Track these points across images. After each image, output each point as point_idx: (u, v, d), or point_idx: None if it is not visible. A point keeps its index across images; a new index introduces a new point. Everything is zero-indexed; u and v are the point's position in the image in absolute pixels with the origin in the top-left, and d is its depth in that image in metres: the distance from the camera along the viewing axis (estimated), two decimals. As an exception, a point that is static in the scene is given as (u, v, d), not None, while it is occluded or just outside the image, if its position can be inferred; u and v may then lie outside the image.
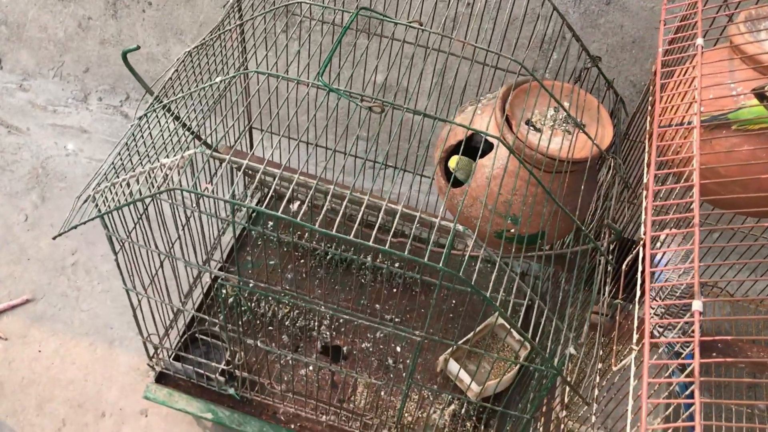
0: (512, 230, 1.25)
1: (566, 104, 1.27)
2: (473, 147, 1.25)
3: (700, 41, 0.96)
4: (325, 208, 0.92)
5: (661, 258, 1.23)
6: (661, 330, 1.08)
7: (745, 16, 1.05)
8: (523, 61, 1.43)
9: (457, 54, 1.32)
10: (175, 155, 1.00)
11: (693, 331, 0.70)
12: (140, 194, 0.96)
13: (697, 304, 0.73)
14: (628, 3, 1.67)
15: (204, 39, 1.28)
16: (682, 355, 1.12)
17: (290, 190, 0.91)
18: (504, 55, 1.14)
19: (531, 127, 1.24)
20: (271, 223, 1.74)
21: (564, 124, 1.24)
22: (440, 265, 0.87)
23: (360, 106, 1.00)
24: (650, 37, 1.71)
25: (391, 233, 0.93)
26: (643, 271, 0.93)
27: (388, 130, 1.81)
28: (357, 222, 0.89)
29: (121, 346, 1.64)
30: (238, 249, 1.70)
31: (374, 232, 0.90)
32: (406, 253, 0.88)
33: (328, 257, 1.68)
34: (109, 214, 1.06)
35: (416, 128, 1.63)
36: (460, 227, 0.90)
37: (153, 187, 0.96)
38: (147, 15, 1.93)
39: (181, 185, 0.93)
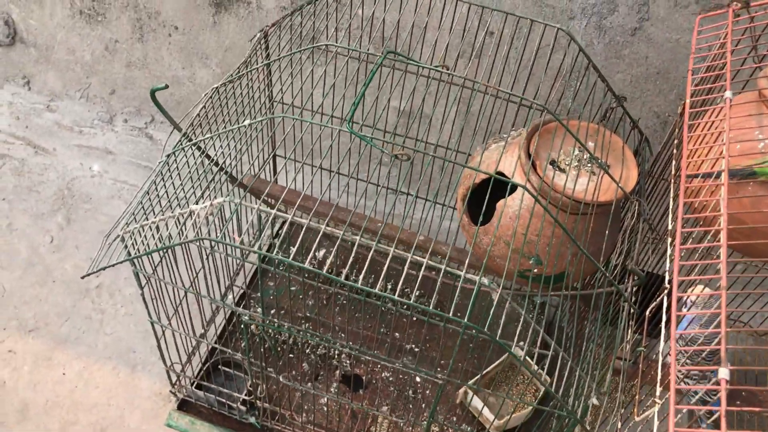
0: (536, 270, 1.26)
1: (591, 144, 1.27)
2: (497, 182, 1.26)
3: (728, 94, 0.95)
4: (352, 255, 0.93)
5: (685, 301, 1.23)
6: (681, 377, 1.08)
7: (774, 66, 1.05)
8: (547, 99, 1.43)
9: (481, 91, 1.32)
10: (204, 198, 1.01)
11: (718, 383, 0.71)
12: (170, 240, 0.98)
13: (723, 372, 0.73)
14: (653, 34, 1.67)
15: (231, 75, 1.29)
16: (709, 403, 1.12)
17: (317, 241, 0.92)
18: (527, 99, 1.14)
19: (556, 168, 1.25)
20: (293, 248, 1.75)
21: (589, 165, 1.25)
22: (465, 320, 0.88)
23: (385, 152, 1.01)
24: (674, 69, 1.71)
25: (421, 271, 0.93)
26: (668, 321, 0.94)
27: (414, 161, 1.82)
28: (381, 277, 0.90)
29: (143, 371, 1.66)
30: (261, 275, 1.72)
31: (405, 269, 0.91)
32: (435, 296, 0.89)
33: (354, 291, 1.69)
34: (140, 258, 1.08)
35: (443, 164, 1.64)
36: (485, 281, 0.90)
37: (182, 233, 0.97)
38: (173, 39, 1.95)
39: (209, 234, 0.95)
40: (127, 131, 2.08)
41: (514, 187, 1.24)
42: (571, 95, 1.53)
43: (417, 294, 1.67)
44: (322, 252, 1.76)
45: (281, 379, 1.32)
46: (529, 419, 1.48)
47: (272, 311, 1.66)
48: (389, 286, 1.68)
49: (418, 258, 0.94)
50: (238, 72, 1.31)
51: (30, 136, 2.07)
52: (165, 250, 1.18)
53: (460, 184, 1.34)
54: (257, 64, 1.38)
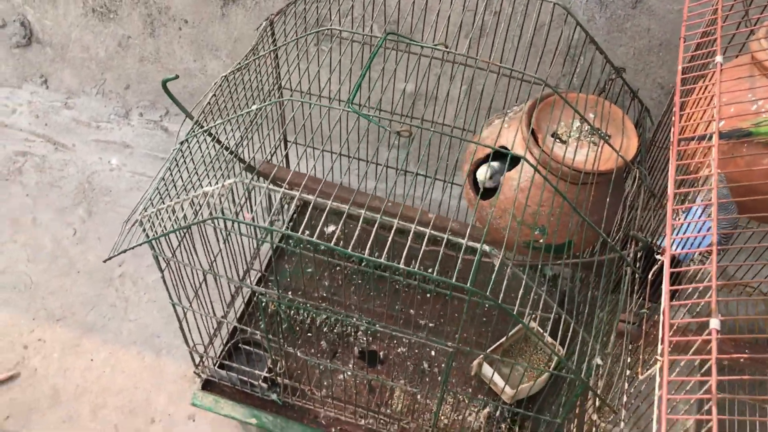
0: (540, 240, 1.29)
1: (591, 116, 1.30)
2: (502, 155, 1.30)
3: (719, 59, 0.98)
4: (358, 229, 0.97)
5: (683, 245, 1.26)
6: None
7: (767, 31, 1.07)
8: (548, 72, 1.46)
9: (483, 68, 1.35)
10: (217, 181, 1.06)
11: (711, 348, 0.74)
12: (185, 221, 1.02)
13: (714, 323, 0.76)
14: (654, 6, 1.69)
15: (239, 63, 1.34)
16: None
17: (324, 216, 0.96)
18: (527, 73, 1.17)
19: (557, 140, 1.28)
20: (308, 232, 1.80)
21: (590, 136, 1.28)
22: (468, 284, 0.92)
23: (389, 130, 1.05)
24: (677, 40, 1.72)
25: (424, 242, 0.97)
26: (660, 284, 0.97)
27: (419, 140, 1.86)
28: (387, 244, 0.94)
29: (168, 355, 1.72)
30: (277, 258, 1.77)
31: (408, 242, 0.95)
32: (437, 265, 0.93)
33: (362, 264, 1.74)
34: (157, 239, 1.13)
35: (446, 139, 1.67)
36: (487, 248, 0.94)
37: (197, 213, 1.02)
38: (183, 33, 2.00)
39: (223, 212, 0.99)
40: (143, 125, 2.13)
41: (516, 160, 1.27)
42: (571, 69, 1.55)
43: (421, 267, 1.71)
44: (330, 228, 1.81)
45: (299, 354, 1.36)
46: (542, 388, 1.52)
47: (289, 292, 1.71)
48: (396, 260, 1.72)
49: (421, 229, 0.98)
50: (246, 60, 1.35)
51: (49, 133, 2.13)
52: (183, 232, 1.23)
53: (465, 160, 1.38)
54: (264, 51, 1.42)
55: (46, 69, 2.17)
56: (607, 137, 1.24)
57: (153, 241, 1.13)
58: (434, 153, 1.80)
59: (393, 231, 0.99)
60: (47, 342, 1.73)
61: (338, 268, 1.77)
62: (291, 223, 1.79)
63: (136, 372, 1.69)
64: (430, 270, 1.71)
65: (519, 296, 0.98)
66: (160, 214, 1.09)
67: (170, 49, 2.03)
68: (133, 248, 1.08)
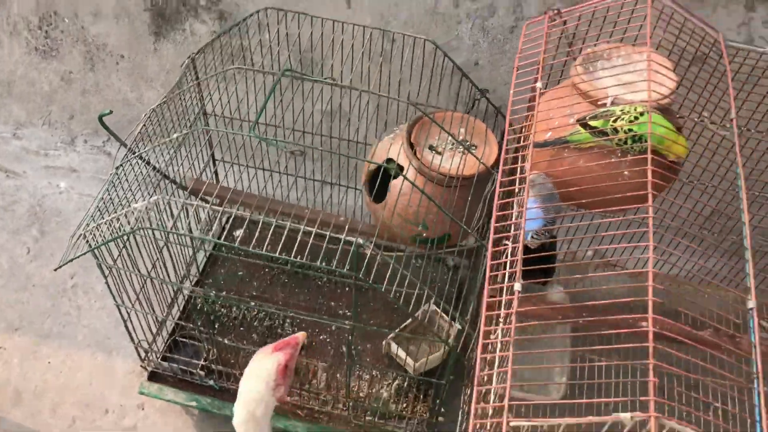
0: (424, 234, 1.55)
1: (462, 130, 1.58)
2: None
3: (538, 85, 1.26)
4: (270, 232, 1.22)
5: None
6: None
7: (582, 59, 1.36)
8: (428, 96, 1.74)
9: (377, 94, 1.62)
10: (145, 199, 1.30)
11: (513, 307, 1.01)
12: (118, 233, 1.26)
13: (517, 286, 1.03)
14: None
15: (165, 97, 1.58)
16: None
17: (231, 219, 1.21)
18: (393, 98, 1.44)
19: (434, 152, 1.55)
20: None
21: (460, 147, 1.55)
22: (345, 269, 1.18)
23: (285, 150, 1.31)
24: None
25: (326, 239, 1.23)
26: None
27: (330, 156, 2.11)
28: (282, 242, 1.20)
29: (118, 355, 1.94)
30: (212, 264, 2.01)
31: (298, 238, 1.20)
32: (330, 259, 1.18)
33: (288, 266, 1.98)
34: (98, 248, 1.36)
35: (354, 153, 1.93)
36: (360, 241, 1.20)
37: (128, 225, 1.26)
38: (120, 66, 2.22)
39: (151, 224, 1.23)
40: (88, 150, 2.35)
41: (401, 169, 1.54)
42: (449, 92, 1.81)
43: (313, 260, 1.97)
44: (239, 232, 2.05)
45: (227, 342, 1.60)
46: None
47: (223, 292, 1.95)
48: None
49: (309, 229, 1.23)
50: (172, 93, 1.59)
51: (1, 163, 2.33)
52: (122, 243, 1.46)
53: (363, 171, 1.64)
54: (188, 84, 1.66)
55: (-5, 103, 2.38)
56: (471, 147, 1.51)
57: (94, 251, 1.37)
58: (347, 165, 2.06)
59: (304, 233, 1.24)
60: (7, 349, 1.94)
61: (266, 270, 2.01)
62: (224, 233, 2.03)
63: (91, 371, 1.91)
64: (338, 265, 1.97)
65: (407, 284, 1.25)
66: (100, 227, 1.32)
67: (109, 82, 2.26)
68: (78, 257, 1.31)
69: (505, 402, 0.92)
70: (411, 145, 1.52)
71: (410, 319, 1.83)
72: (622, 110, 1.21)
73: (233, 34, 1.89)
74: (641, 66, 1.29)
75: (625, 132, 1.20)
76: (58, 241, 2.15)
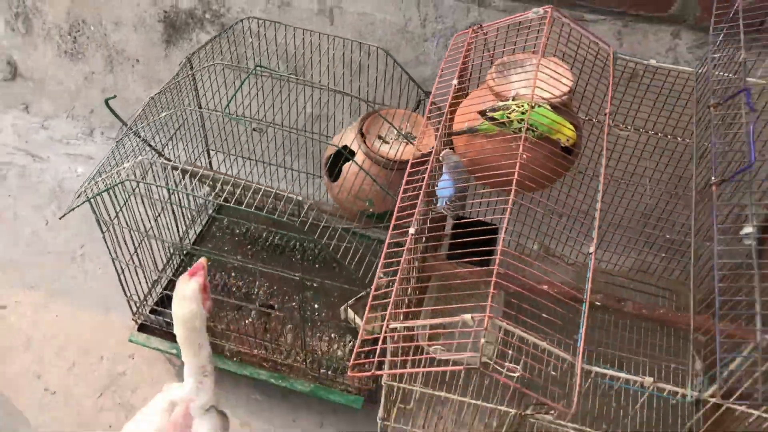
0: (371, 210, 1.84)
1: (407, 124, 1.87)
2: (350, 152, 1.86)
3: (454, 82, 1.55)
4: (246, 201, 1.52)
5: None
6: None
7: (496, 66, 1.65)
8: (383, 96, 2.04)
9: (336, 90, 1.93)
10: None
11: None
12: (105, 185, 1.57)
13: (411, 230, 1.31)
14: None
15: (163, 87, 1.90)
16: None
17: (209, 182, 1.51)
18: (346, 92, 1.74)
19: (382, 140, 1.85)
20: (225, 220, 2.35)
21: (404, 138, 1.84)
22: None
23: (248, 128, 1.61)
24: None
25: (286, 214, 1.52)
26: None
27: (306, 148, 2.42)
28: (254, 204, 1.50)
29: (116, 311, 2.23)
30: (202, 240, 2.31)
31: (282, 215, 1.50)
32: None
33: (267, 243, 2.29)
34: (99, 203, 1.67)
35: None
36: (299, 198, 1.49)
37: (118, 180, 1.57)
38: (135, 69, 2.57)
39: (131, 177, 1.54)
40: (104, 141, 2.68)
41: (352, 154, 1.84)
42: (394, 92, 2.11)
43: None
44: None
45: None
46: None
47: (209, 264, 2.24)
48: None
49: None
50: (168, 84, 1.91)
51: (29, 148, 2.68)
52: (120, 202, 1.77)
53: (324, 156, 1.94)
54: (183, 77, 1.98)
55: (28, 98, 2.73)
56: (410, 137, 1.81)
57: (92, 204, 1.68)
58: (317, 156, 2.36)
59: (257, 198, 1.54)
60: (22, 303, 2.25)
61: (248, 246, 2.31)
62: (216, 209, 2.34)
63: (91, 324, 2.21)
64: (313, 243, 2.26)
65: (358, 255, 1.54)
66: (96, 185, 1.63)
67: (126, 83, 2.60)
68: (78, 206, 1.62)
69: (389, 310, 1.20)
70: (362, 135, 1.82)
71: (365, 291, 2.11)
72: (516, 104, 1.50)
73: (231, 42, 2.22)
74: (544, 71, 1.57)
75: (518, 122, 1.48)
76: (72, 216, 2.47)
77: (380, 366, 1.24)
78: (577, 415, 1.66)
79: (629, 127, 1.76)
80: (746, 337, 0.99)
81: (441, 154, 1.50)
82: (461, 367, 1.08)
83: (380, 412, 1.54)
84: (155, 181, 1.65)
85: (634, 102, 1.67)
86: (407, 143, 1.81)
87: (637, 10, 2.09)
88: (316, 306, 2.18)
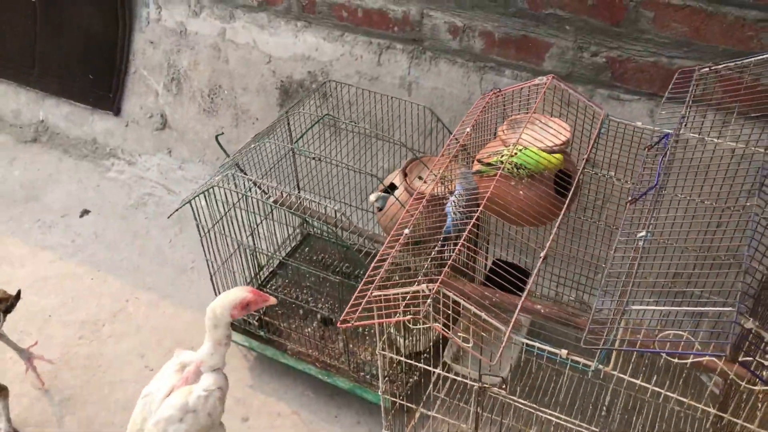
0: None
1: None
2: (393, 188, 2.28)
3: (468, 129, 1.95)
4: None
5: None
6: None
7: (508, 122, 2.03)
8: (417, 146, 2.46)
9: (388, 140, 2.37)
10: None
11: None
12: (206, 195, 2.08)
13: (406, 230, 1.70)
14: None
15: (260, 132, 2.42)
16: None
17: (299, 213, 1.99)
18: (397, 142, 2.17)
19: (421, 180, 2.26)
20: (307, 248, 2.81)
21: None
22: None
23: (312, 158, 2.08)
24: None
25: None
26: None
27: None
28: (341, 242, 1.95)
29: (209, 313, 2.73)
30: (285, 264, 2.79)
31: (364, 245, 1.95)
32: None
33: (336, 271, 2.72)
34: (200, 213, 2.18)
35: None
36: (336, 210, 1.92)
37: (212, 187, 2.08)
38: (255, 126, 3.16)
39: (219, 184, 2.04)
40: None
41: (394, 189, 2.26)
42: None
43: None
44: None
45: (276, 294, 2.34)
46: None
47: (286, 281, 2.70)
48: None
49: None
50: (267, 130, 2.44)
51: (167, 184, 3.32)
52: (220, 214, 2.28)
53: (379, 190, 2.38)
54: (281, 128, 2.51)
55: (172, 145, 3.40)
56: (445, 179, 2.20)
57: (194, 210, 2.19)
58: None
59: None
60: (140, 300, 2.81)
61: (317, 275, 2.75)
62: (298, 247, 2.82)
63: (188, 321, 2.71)
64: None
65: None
66: (199, 198, 2.15)
67: (246, 136, 3.20)
68: (181, 207, 2.14)
69: (375, 282, 1.59)
70: (405, 174, 2.24)
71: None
72: (507, 150, 1.87)
73: (329, 103, 2.76)
74: (546, 127, 1.94)
75: (509, 163, 1.85)
76: (189, 238, 3.04)
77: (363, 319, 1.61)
78: (525, 390, 1.98)
79: (629, 180, 2.06)
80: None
81: (458, 172, 1.88)
82: (410, 318, 1.44)
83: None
84: (248, 206, 2.15)
85: (630, 157, 1.98)
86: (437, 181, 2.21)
87: (666, 92, 2.41)
88: (340, 296, 2.55)
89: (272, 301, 1.91)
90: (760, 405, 1.42)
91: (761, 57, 1.69)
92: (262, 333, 2.48)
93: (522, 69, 2.63)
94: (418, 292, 1.52)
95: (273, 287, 2.66)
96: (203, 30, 3.20)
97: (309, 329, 2.53)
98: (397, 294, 1.55)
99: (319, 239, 2.84)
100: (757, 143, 1.52)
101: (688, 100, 1.61)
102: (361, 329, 2.53)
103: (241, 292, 1.87)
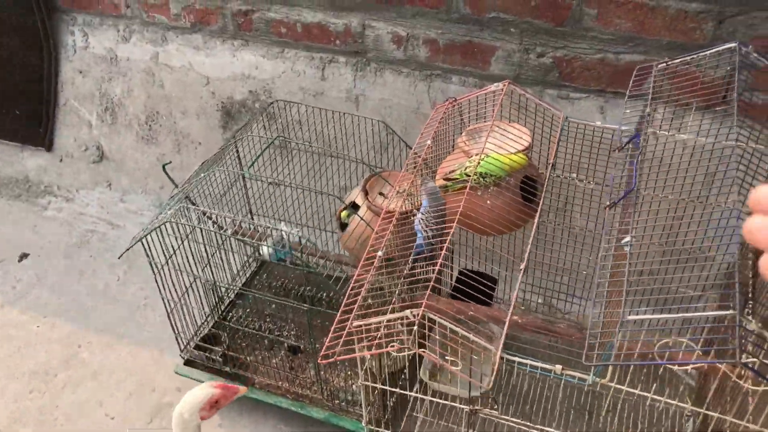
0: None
1: (405, 184, 2.22)
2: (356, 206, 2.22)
3: (428, 142, 1.90)
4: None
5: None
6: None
7: (467, 132, 1.99)
8: (374, 161, 2.40)
9: (343, 158, 2.30)
10: (175, 214, 2.01)
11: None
12: (151, 228, 1.97)
13: (379, 252, 1.63)
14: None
15: (207, 160, 2.32)
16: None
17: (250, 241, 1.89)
18: (354, 159, 2.11)
19: (383, 197, 2.20)
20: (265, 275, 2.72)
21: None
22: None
23: (269, 182, 1.99)
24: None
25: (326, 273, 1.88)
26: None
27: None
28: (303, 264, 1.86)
29: (168, 351, 2.61)
30: (245, 292, 2.68)
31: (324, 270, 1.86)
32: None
33: (298, 295, 2.63)
34: (151, 249, 2.07)
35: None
36: (297, 234, 1.84)
37: (158, 225, 1.97)
38: (198, 150, 3.04)
39: (172, 220, 1.94)
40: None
41: (358, 207, 2.19)
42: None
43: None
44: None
45: (238, 326, 2.24)
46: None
47: (247, 311, 2.61)
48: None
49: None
50: (214, 156, 2.34)
51: (110, 218, 3.17)
52: (171, 251, 2.17)
53: (338, 212, 2.31)
54: (230, 155, 2.41)
55: (111, 176, 3.25)
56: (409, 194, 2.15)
57: (145, 247, 2.08)
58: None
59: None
60: (93, 343, 2.66)
61: (283, 296, 2.66)
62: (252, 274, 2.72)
63: (147, 362, 2.59)
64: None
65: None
66: (146, 231, 2.04)
67: (189, 161, 3.08)
68: (130, 248, 2.03)
69: (353, 312, 1.52)
70: (366, 192, 2.18)
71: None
72: (470, 162, 1.83)
73: (278, 124, 2.67)
74: (506, 134, 1.91)
75: (474, 174, 1.81)
76: (138, 273, 2.91)
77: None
78: (518, 409, 1.95)
79: (591, 181, 2.05)
80: (614, 321, 1.25)
81: (420, 182, 1.83)
82: (395, 348, 1.37)
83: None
84: (202, 238, 2.05)
85: (592, 157, 1.97)
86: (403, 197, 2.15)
87: (615, 88, 2.42)
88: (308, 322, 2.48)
89: (242, 390, 1.78)
90: (750, 400, 1.41)
91: (716, 50, 1.69)
92: (227, 369, 2.38)
93: (469, 74, 2.60)
94: (401, 318, 1.46)
95: (234, 319, 2.55)
96: (135, 55, 3.06)
97: (277, 359, 2.43)
98: (379, 323, 1.48)
99: (277, 264, 2.74)
100: (727, 137, 1.51)
101: (650, 98, 1.60)
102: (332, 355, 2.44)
103: (207, 390, 1.71)
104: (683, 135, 1.55)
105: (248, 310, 2.60)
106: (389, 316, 1.47)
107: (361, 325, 1.51)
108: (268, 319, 2.57)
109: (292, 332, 2.53)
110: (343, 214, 2.20)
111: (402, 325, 1.46)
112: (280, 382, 2.35)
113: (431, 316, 1.42)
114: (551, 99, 2.51)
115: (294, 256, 1.86)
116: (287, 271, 2.73)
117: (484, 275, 2.20)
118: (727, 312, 1.14)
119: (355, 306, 1.54)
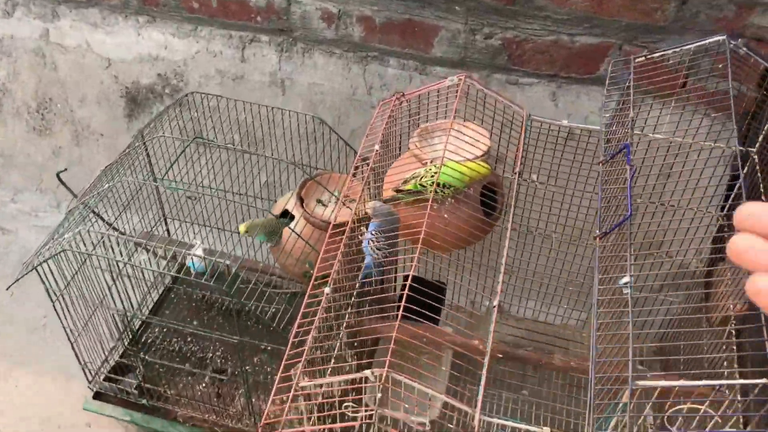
0: (312, 271, 1.90)
1: (346, 187, 1.95)
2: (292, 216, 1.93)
3: (377, 146, 1.63)
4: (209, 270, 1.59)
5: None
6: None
7: (419, 133, 1.73)
8: (309, 162, 2.12)
9: (272, 157, 2.01)
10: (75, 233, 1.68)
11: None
12: (48, 255, 1.64)
13: (327, 289, 1.37)
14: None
15: (115, 159, 1.98)
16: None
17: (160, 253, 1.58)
18: (281, 159, 1.82)
19: (321, 204, 1.92)
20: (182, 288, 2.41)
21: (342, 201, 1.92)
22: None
23: (184, 194, 1.69)
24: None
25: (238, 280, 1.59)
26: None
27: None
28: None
29: (75, 380, 2.27)
30: (159, 308, 2.37)
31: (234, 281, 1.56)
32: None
33: (222, 308, 2.34)
34: (48, 275, 1.73)
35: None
36: (225, 261, 1.56)
37: (61, 248, 1.64)
38: (100, 142, 2.67)
39: (70, 246, 1.61)
40: (71, 212, 2.77)
41: (292, 218, 1.91)
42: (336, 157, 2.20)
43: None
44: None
45: (156, 359, 1.94)
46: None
47: (165, 330, 2.30)
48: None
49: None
50: (119, 157, 2.00)
51: (-1, 222, 2.77)
52: (70, 275, 1.83)
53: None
54: (137, 152, 2.07)
55: (-1, 173, 2.84)
56: (345, 201, 1.88)
57: (41, 275, 1.74)
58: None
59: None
60: (-15, 373, 2.30)
61: (205, 312, 2.36)
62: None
63: (52, 393, 2.25)
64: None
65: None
66: (41, 255, 1.70)
67: (91, 155, 2.70)
68: (23, 276, 1.69)
69: (299, 369, 1.25)
70: (301, 200, 1.90)
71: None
72: (426, 170, 1.58)
73: (192, 116, 2.33)
74: (461, 135, 1.66)
75: (430, 185, 1.56)
76: (37, 286, 2.53)
77: (292, 424, 1.28)
78: None
79: (553, 184, 1.84)
80: (624, 382, 1.04)
81: (369, 205, 1.56)
82: (353, 423, 1.13)
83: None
84: (109, 251, 1.72)
85: (554, 160, 1.75)
86: (342, 205, 1.88)
87: (568, 73, 2.20)
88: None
89: None
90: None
91: (700, 43, 1.49)
92: (144, 401, 2.07)
93: (409, 57, 2.33)
94: (359, 380, 1.21)
95: (149, 341, 2.24)
96: (20, 32, 2.64)
97: (201, 386, 2.14)
98: (331, 385, 1.23)
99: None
100: (717, 139, 1.32)
101: (632, 97, 1.38)
102: (263, 377, 2.18)
103: None
104: (678, 138, 1.34)
105: (165, 330, 2.29)
106: (344, 377, 1.22)
107: (309, 386, 1.25)
108: (189, 339, 2.27)
109: (218, 353, 2.24)
110: (241, 228, 1.90)
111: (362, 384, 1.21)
112: (207, 415, 2.07)
113: (396, 377, 1.17)
114: (499, 84, 2.28)
115: (217, 288, 1.57)
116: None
117: (430, 284, 1.97)
118: (760, 381, 0.95)
119: (302, 359, 1.28)
